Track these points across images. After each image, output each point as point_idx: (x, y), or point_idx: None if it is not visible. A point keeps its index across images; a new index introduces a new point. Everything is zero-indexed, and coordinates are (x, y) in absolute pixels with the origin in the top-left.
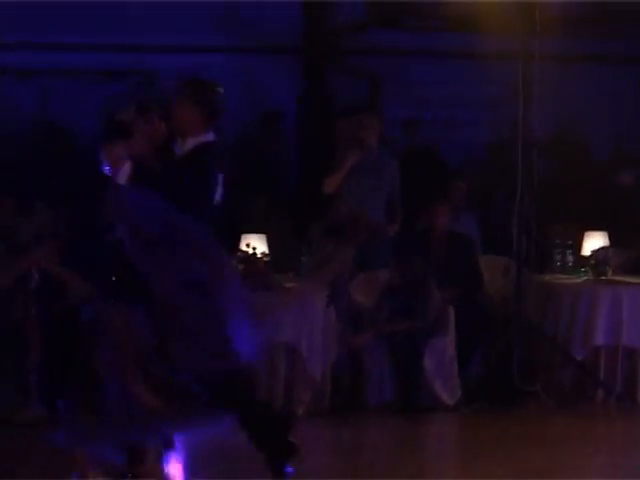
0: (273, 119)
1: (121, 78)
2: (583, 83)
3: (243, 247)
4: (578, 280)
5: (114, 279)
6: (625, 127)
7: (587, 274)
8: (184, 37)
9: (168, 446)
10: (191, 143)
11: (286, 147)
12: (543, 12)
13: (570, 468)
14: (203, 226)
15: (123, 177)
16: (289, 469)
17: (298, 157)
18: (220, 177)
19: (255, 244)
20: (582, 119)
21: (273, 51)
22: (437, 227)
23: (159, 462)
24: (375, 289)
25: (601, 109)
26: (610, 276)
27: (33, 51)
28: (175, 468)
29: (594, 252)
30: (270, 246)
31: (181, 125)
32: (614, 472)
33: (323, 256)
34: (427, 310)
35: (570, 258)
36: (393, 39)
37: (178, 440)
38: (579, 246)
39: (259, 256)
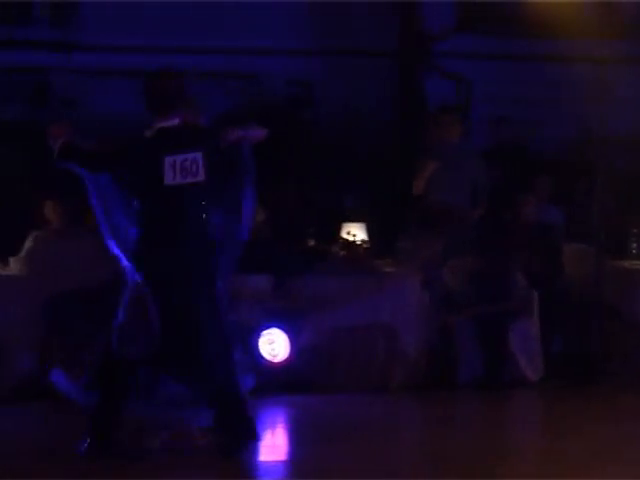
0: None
1: (222, 80)
2: None
3: (344, 235)
4: None
5: None
6: None
7: None
8: (285, 41)
9: None
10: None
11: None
12: (621, 16)
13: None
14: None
15: None
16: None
17: (393, 153)
18: (175, 159)
19: (355, 232)
20: None
21: (369, 54)
22: (522, 216)
23: None
24: (464, 274)
25: None
26: None
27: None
28: None
29: None
30: (369, 234)
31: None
32: None
33: (417, 244)
34: (511, 295)
35: None
36: (480, 43)
37: None
38: None
39: (359, 243)
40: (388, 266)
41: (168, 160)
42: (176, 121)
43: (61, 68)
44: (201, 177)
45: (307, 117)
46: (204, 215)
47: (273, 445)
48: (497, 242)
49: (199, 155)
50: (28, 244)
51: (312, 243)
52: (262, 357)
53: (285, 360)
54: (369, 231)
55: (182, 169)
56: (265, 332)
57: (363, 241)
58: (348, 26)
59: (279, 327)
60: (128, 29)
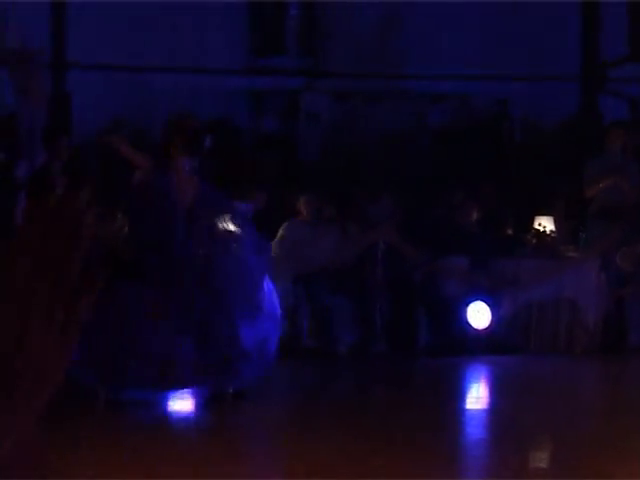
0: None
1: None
2: None
3: (536, 226)
4: None
5: None
6: None
7: None
8: (487, 68)
9: None
10: None
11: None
12: None
13: None
14: None
15: None
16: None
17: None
18: None
19: (545, 224)
20: None
21: (554, 78)
22: None
23: None
24: (634, 258)
25: None
26: None
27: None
28: None
29: None
30: (556, 226)
31: None
32: None
33: (595, 233)
34: None
35: None
36: None
37: None
38: None
39: (548, 233)
40: (571, 252)
41: None
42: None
43: (308, 89)
44: None
45: (506, 129)
46: None
47: (478, 397)
48: None
49: None
50: (281, 231)
51: (510, 232)
52: (470, 324)
53: (488, 327)
54: (556, 223)
55: None
56: (472, 304)
57: (551, 231)
58: (539, 55)
59: (483, 300)
60: (364, 57)
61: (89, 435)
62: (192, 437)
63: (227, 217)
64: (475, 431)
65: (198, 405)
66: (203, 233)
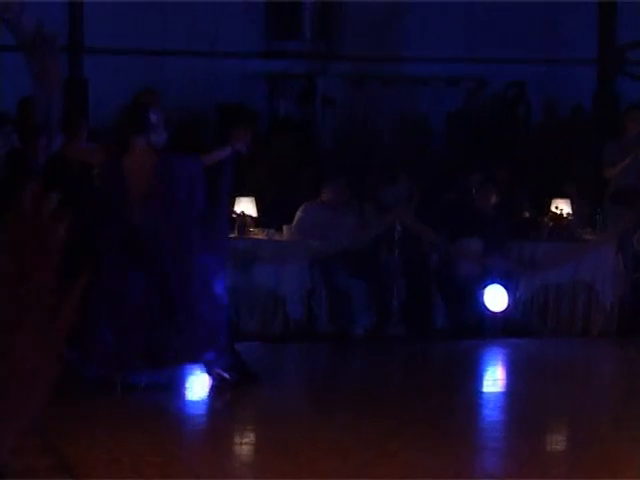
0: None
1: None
2: None
3: (553, 209)
4: None
5: None
6: None
7: None
8: (512, 50)
9: None
10: None
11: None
12: None
13: None
14: None
15: None
16: None
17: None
18: None
19: (562, 207)
20: None
21: (572, 62)
22: None
23: None
24: None
25: None
26: None
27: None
28: None
29: None
30: (573, 208)
31: None
32: None
33: (612, 216)
34: None
35: None
36: None
37: None
38: None
39: (565, 215)
40: (588, 235)
41: None
42: None
43: (323, 73)
44: None
45: (522, 112)
46: None
47: (495, 379)
48: None
49: None
50: (299, 214)
51: (527, 215)
52: (486, 307)
53: (504, 310)
54: (573, 206)
55: None
56: (489, 287)
57: (568, 214)
58: (556, 38)
59: (500, 283)
60: (379, 40)
61: (107, 419)
62: (207, 420)
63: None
64: (492, 414)
65: (213, 388)
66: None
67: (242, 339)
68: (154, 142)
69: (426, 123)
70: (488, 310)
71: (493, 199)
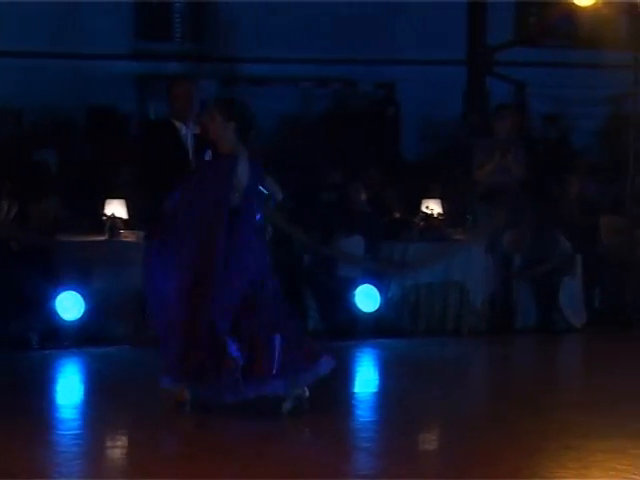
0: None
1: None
2: None
3: (424, 209)
4: None
5: None
6: None
7: None
8: (382, 51)
9: None
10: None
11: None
12: None
13: None
14: None
15: None
16: None
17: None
18: None
19: (433, 207)
20: None
21: (442, 62)
22: (569, 193)
23: None
24: (520, 240)
25: None
26: None
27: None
28: None
29: None
30: (444, 208)
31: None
32: None
33: (482, 215)
34: (555, 255)
35: None
36: (534, 53)
37: None
38: None
39: (436, 216)
40: (458, 234)
41: None
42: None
43: (194, 75)
44: None
45: (391, 113)
46: None
47: (367, 379)
48: (546, 214)
49: None
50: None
51: (398, 215)
52: (358, 307)
53: (376, 310)
54: (444, 206)
55: None
56: (360, 287)
57: (439, 214)
58: (428, 39)
59: (371, 283)
60: (247, 43)
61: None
62: (79, 425)
63: None
64: (365, 414)
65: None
66: None
67: (112, 343)
68: None
69: (297, 124)
70: (360, 311)
71: (362, 196)
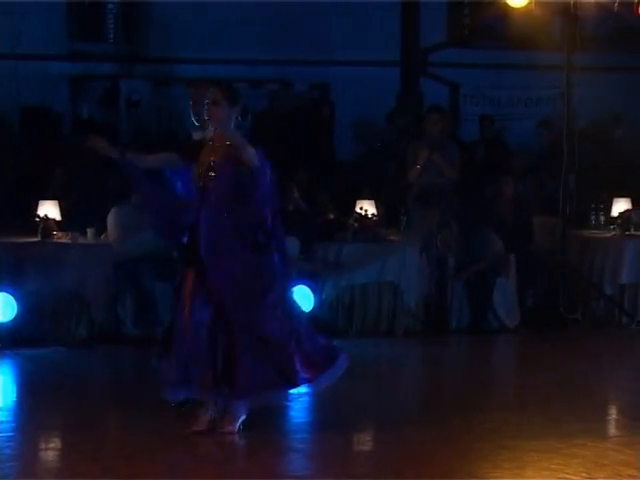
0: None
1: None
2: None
3: (358, 210)
4: (608, 235)
5: None
6: None
7: (615, 230)
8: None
9: None
10: None
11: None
12: (582, 32)
13: (604, 377)
14: None
15: None
16: None
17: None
18: None
19: (367, 207)
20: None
21: (376, 63)
22: (504, 194)
23: None
24: (453, 241)
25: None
26: (633, 231)
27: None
28: None
29: (621, 213)
30: (378, 209)
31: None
32: (637, 376)
33: (416, 216)
34: (487, 255)
35: (602, 218)
36: (468, 54)
37: None
38: (609, 208)
39: (370, 216)
40: (393, 235)
41: None
42: None
43: (127, 75)
44: None
45: (326, 114)
46: None
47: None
48: (479, 214)
49: None
50: (109, 217)
51: (331, 216)
52: None
53: (310, 311)
54: (378, 207)
55: None
56: (295, 287)
57: (373, 215)
58: (363, 41)
59: (306, 284)
60: (181, 44)
61: None
62: (12, 427)
63: None
64: (299, 415)
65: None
66: None
67: (46, 345)
68: None
69: None
70: None
71: (295, 194)
